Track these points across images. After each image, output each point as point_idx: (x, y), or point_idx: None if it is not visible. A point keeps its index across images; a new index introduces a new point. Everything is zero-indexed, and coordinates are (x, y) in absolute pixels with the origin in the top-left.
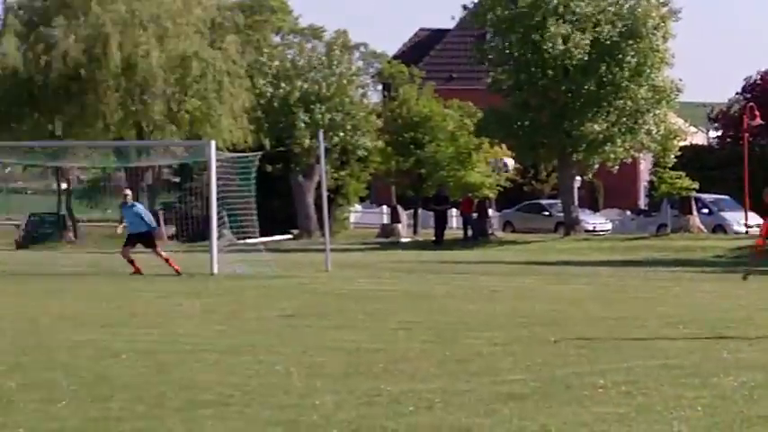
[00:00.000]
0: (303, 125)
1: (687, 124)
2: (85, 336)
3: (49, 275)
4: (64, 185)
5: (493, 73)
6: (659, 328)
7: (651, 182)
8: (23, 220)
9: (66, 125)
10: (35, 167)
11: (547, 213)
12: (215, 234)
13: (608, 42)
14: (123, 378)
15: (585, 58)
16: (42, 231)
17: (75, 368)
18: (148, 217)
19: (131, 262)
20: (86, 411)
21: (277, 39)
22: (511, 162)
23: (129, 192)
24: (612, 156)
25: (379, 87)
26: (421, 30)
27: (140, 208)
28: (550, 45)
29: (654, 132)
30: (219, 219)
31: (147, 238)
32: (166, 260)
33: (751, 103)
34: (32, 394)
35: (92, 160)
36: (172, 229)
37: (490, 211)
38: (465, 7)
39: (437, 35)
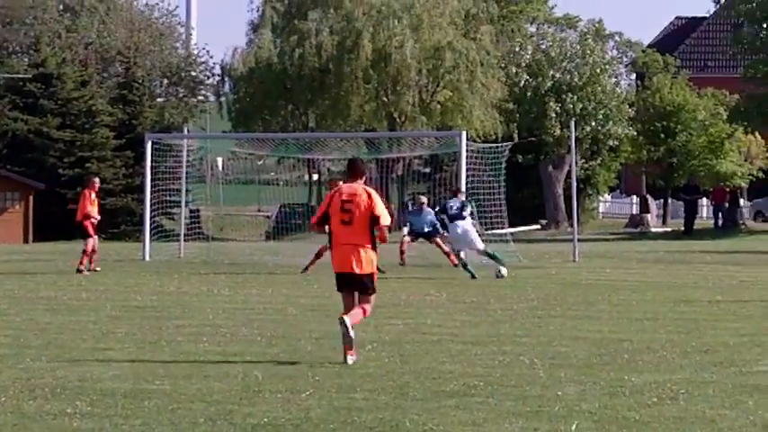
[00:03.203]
0: (554, 115)
1: None
2: (330, 326)
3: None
4: (315, 177)
5: (748, 60)
6: None
7: None
8: (274, 211)
9: (318, 117)
10: (288, 159)
11: None
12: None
13: None
14: (367, 368)
15: None
16: (293, 222)
17: (319, 358)
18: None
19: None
20: (330, 401)
21: (532, 29)
22: None
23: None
24: None
25: (633, 77)
26: (677, 18)
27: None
28: None
29: None
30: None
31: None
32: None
33: None
34: (278, 384)
35: (343, 152)
36: None
37: (741, 201)
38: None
39: (693, 23)
